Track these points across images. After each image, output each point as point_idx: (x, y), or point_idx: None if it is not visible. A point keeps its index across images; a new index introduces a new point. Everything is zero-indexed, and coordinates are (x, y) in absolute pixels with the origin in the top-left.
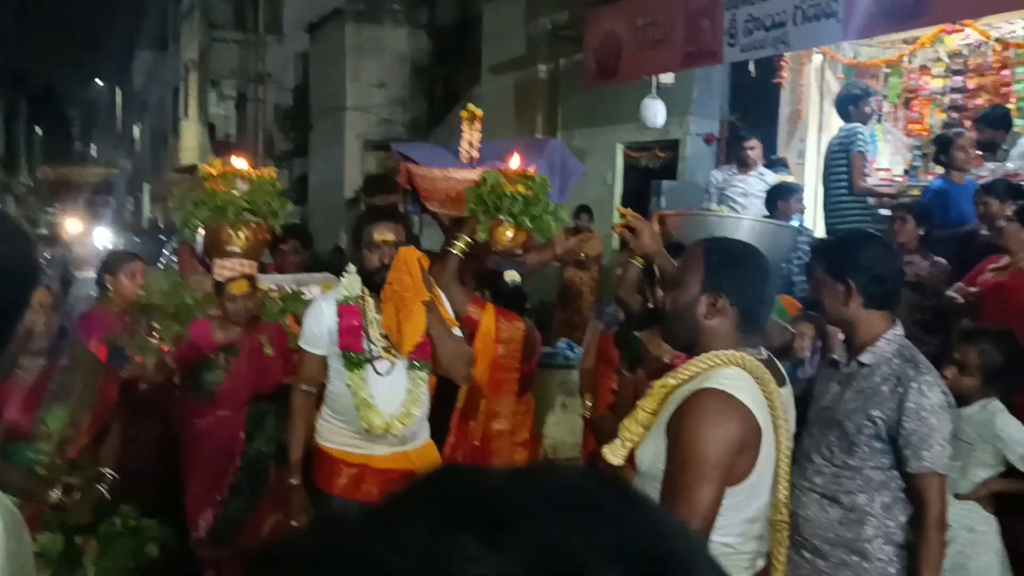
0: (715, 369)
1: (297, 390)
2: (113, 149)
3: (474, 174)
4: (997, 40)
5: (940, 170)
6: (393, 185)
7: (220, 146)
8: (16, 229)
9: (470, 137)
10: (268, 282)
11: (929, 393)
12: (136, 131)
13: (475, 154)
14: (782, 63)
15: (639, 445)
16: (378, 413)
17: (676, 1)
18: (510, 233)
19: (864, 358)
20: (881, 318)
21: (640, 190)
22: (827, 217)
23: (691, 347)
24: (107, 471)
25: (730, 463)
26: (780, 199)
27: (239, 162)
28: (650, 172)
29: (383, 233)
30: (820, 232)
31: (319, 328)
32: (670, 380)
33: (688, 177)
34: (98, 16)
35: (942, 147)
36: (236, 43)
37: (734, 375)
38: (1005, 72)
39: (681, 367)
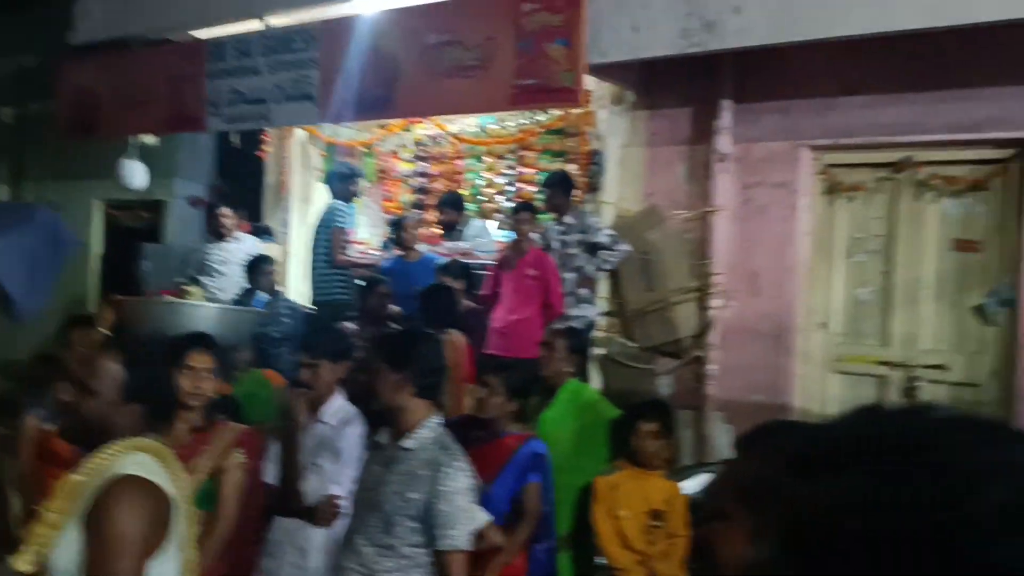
0: (119, 458)
1: None
2: None
3: None
4: (452, 134)
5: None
6: None
7: None
8: None
9: None
10: None
11: (459, 477)
12: None
13: None
14: (265, 137)
15: (51, 548)
16: None
17: (157, 64)
18: None
19: (407, 443)
20: (426, 406)
21: (127, 250)
22: (313, 288)
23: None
24: None
25: (147, 536)
26: (251, 271)
27: None
28: (137, 232)
29: None
30: (305, 301)
31: None
32: (75, 477)
33: (174, 239)
34: None
35: (395, 228)
36: None
37: (140, 460)
38: (459, 162)
39: (83, 462)
